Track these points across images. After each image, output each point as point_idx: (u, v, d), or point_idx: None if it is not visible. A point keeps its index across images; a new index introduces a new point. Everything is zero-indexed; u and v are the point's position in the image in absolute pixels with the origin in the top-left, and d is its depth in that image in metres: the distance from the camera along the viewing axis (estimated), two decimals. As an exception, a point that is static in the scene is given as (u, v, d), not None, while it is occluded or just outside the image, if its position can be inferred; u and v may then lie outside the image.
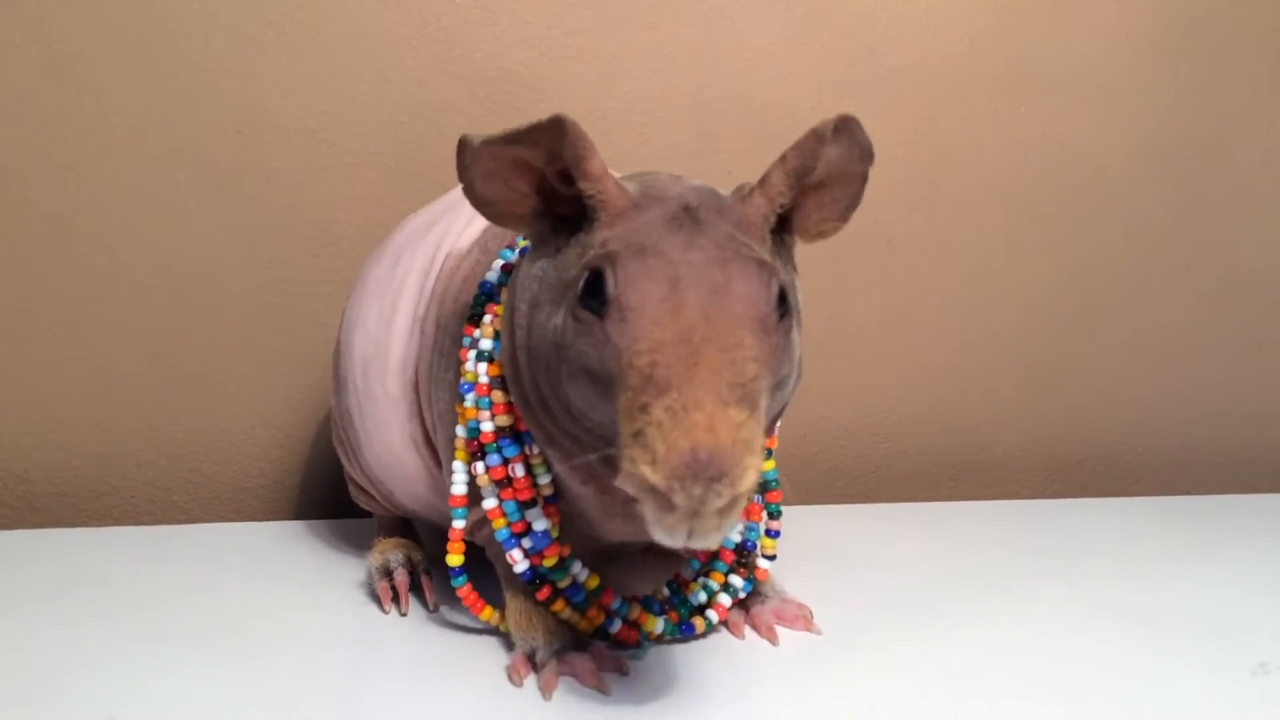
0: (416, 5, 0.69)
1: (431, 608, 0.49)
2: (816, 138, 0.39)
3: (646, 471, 0.31)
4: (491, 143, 0.37)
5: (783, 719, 0.38)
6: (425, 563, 0.52)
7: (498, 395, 0.41)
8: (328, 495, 0.72)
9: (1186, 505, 0.76)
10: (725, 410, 0.31)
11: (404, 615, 0.49)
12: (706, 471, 0.30)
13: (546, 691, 0.40)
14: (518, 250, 0.43)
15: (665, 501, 0.31)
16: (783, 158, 0.40)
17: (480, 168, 0.38)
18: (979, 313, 0.82)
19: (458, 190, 0.52)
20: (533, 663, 0.42)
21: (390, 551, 0.52)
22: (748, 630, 0.47)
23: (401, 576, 0.50)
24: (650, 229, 0.36)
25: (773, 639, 0.45)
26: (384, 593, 0.50)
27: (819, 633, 0.46)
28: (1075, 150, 0.81)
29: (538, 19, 0.71)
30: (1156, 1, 0.80)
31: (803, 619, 0.47)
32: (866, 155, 0.40)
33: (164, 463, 0.69)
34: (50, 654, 0.44)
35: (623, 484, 0.32)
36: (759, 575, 0.47)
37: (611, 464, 0.34)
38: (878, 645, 0.45)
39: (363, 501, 0.57)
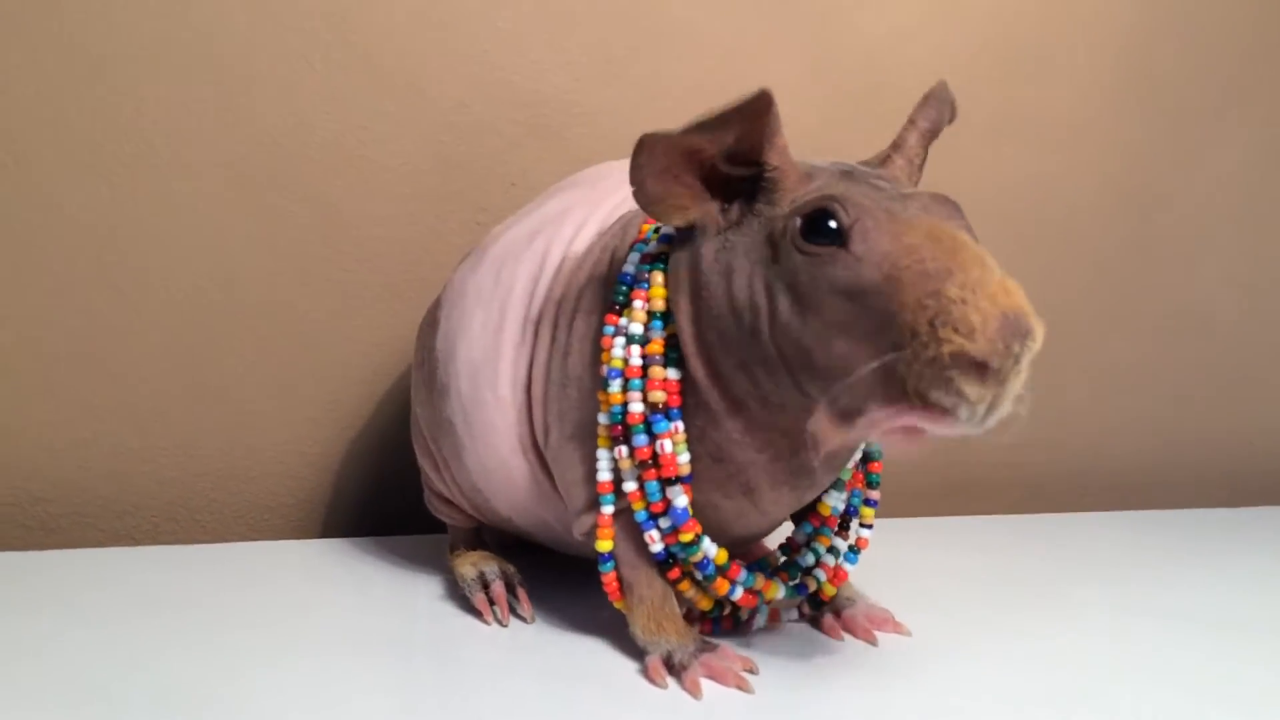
0: (459, 27, 0.70)
1: (529, 619, 0.50)
2: (939, 100, 0.44)
3: (964, 343, 0.33)
4: (691, 129, 0.38)
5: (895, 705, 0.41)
6: (518, 574, 0.53)
7: (656, 370, 0.42)
8: (355, 514, 0.71)
9: (1148, 519, 0.83)
10: (1006, 279, 0.34)
11: (504, 626, 0.49)
12: (1019, 328, 0.33)
13: (695, 692, 0.41)
14: (654, 241, 0.44)
15: (979, 372, 0.33)
16: (912, 120, 0.44)
17: (655, 164, 0.39)
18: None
19: (552, 202, 0.53)
20: (669, 665, 0.43)
21: (484, 564, 0.53)
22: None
23: (499, 588, 0.51)
24: (833, 187, 0.39)
25: (871, 640, 0.48)
26: (483, 605, 0.50)
27: (908, 633, 0.49)
28: (1050, 190, 0.87)
29: (573, 46, 0.73)
30: (1122, 61, 0.88)
31: (891, 621, 0.49)
32: (954, 115, 0.46)
33: (187, 481, 0.67)
34: (171, 661, 0.43)
35: (920, 382, 0.34)
36: (859, 544, 0.49)
37: (841, 402, 0.36)
38: (952, 642, 0.49)
39: (444, 513, 0.57)
